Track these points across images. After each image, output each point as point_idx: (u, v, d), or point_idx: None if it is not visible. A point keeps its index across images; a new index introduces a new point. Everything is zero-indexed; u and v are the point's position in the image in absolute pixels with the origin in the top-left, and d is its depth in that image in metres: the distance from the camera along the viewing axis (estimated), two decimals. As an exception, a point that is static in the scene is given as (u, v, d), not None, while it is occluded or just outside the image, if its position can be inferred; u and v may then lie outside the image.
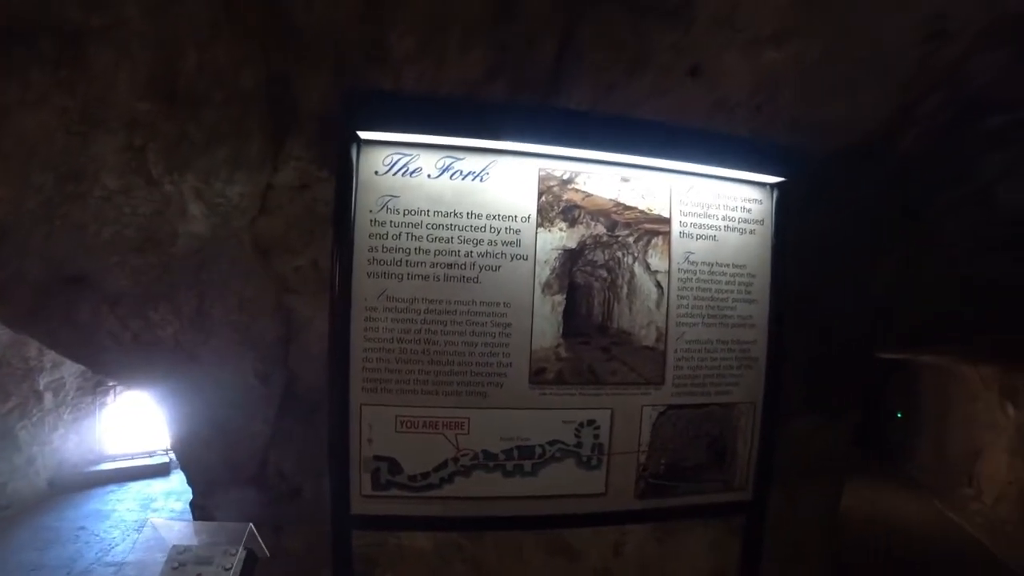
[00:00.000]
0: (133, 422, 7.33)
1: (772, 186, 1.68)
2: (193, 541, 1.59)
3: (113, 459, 7.03)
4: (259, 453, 2.26)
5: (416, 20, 1.62)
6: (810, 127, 1.76)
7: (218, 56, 1.44)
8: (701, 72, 1.73)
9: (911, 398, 7.99)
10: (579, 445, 1.52)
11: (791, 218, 1.78)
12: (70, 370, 6.19)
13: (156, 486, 6.61)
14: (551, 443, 1.51)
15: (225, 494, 2.32)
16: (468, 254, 1.44)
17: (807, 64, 1.68)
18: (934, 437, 7.33)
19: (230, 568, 1.49)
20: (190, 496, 2.51)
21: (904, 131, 2.17)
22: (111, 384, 6.74)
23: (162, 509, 5.85)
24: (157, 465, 7.10)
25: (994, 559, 5.11)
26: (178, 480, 6.77)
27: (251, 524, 1.59)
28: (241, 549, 1.53)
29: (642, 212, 1.54)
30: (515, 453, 1.49)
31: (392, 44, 1.65)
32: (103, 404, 6.97)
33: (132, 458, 7.16)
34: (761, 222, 1.69)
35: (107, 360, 2.22)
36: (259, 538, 1.58)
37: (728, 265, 1.65)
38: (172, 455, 7.29)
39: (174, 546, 1.57)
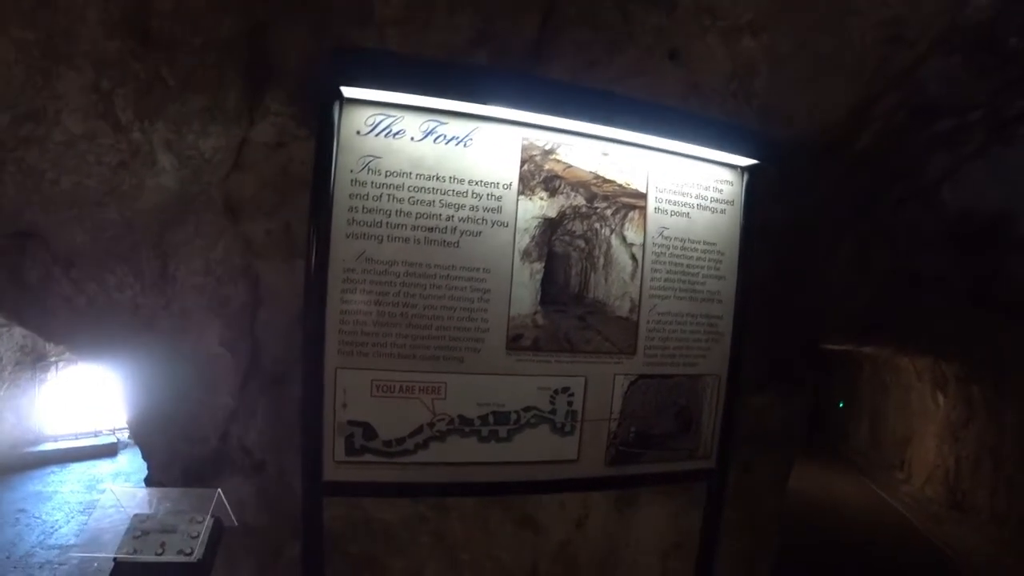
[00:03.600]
0: (77, 400, 6.95)
1: (743, 169, 1.75)
2: (156, 509, 1.53)
3: (55, 439, 6.65)
4: (221, 426, 2.19)
5: (402, -19, 1.59)
6: (779, 116, 1.84)
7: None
8: (679, 55, 1.77)
9: (852, 388, 8.50)
10: (553, 412, 1.56)
11: (760, 201, 1.85)
12: (7, 344, 5.80)
13: (102, 467, 6.32)
14: (526, 409, 1.53)
15: (184, 470, 2.25)
16: (449, 218, 1.44)
17: (779, 55, 1.75)
18: (871, 425, 7.84)
19: (196, 536, 1.44)
20: (142, 476, 2.41)
21: (862, 128, 2.29)
22: (52, 359, 6.35)
23: (109, 491, 5.59)
24: (104, 445, 6.77)
25: (919, 534, 5.55)
26: (127, 461, 6.50)
27: (219, 490, 1.55)
28: (209, 517, 1.49)
29: (620, 186, 1.58)
30: (491, 419, 1.51)
31: (378, 4, 1.61)
32: (43, 381, 6.57)
33: (76, 438, 6.79)
34: (732, 203, 1.76)
35: (57, 327, 2.10)
36: (227, 505, 1.54)
37: (700, 242, 1.71)
38: (120, 435, 6.96)
39: (136, 515, 1.51)
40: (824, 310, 3.28)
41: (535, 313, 1.51)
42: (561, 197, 1.52)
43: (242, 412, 2.18)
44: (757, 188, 1.78)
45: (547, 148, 1.50)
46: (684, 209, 1.68)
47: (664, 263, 1.65)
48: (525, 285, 1.50)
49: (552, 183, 1.51)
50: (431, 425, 1.48)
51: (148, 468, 2.39)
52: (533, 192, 1.50)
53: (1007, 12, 1.80)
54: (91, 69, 1.32)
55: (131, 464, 6.32)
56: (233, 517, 1.58)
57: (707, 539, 1.86)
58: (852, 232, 3.29)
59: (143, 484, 2.36)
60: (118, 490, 1.56)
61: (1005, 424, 4.77)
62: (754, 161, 1.70)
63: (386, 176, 1.41)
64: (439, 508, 2.25)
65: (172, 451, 2.29)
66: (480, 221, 1.46)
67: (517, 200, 1.48)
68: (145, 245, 1.73)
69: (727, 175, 1.74)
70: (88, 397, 6.98)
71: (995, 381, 4.81)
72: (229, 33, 1.40)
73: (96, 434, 7.02)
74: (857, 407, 8.37)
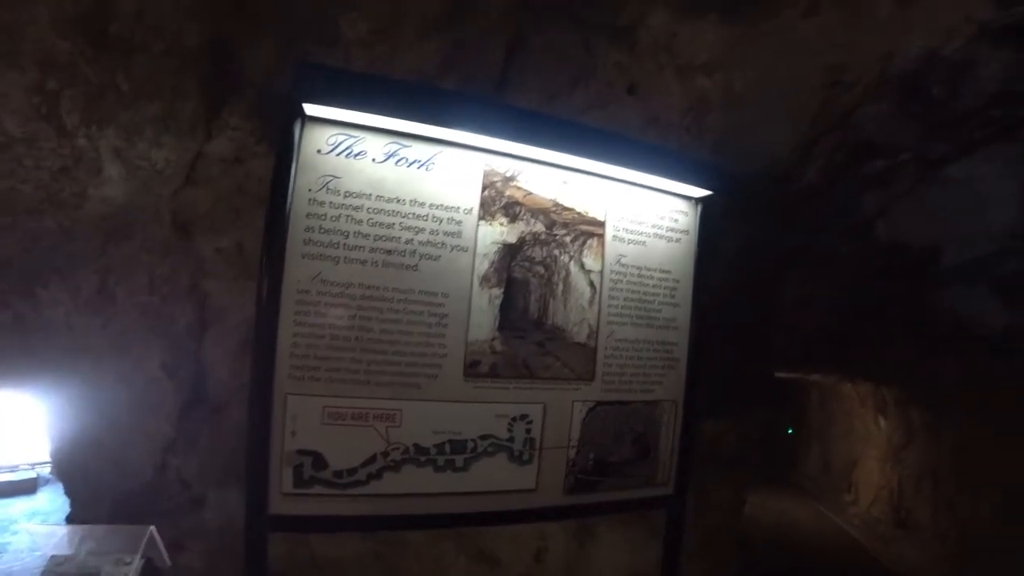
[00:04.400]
0: (-9, 432, 6.34)
1: (697, 199, 1.82)
2: (77, 550, 1.39)
3: (-37, 475, 6.04)
4: (158, 456, 2.05)
5: (374, 6, 1.60)
6: (731, 149, 1.93)
7: (163, 5, 1.33)
8: (638, 90, 1.84)
9: (801, 415, 8.81)
10: (511, 440, 1.53)
11: (713, 230, 1.93)
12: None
13: (18, 506, 5.74)
14: (483, 437, 1.50)
15: (114, 505, 2.07)
16: (409, 241, 1.42)
17: (733, 93, 1.84)
18: (820, 450, 8.12)
19: None
20: (64, 513, 2.20)
21: (807, 165, 2.44)
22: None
23: (24, 531, 5.09)
24: (20, 482, 6.18)
25: (868, 554, 5.72)
26: (47, 499, 5.94)
27: (152, 528, 1.42)
28: (138, 558, 1.37)
29: (579, 214, 1.60)
30: (447, 447, 1.47)
31: (345, 28, 1.61)
32: (-46, 410, 5.99)
33: (-13, 474, 6.18)
34: (687, 232, 1.82)
35: (-25, 347, 1.93)
36: (160, 544, 1.42)
37: (656, 270, 1.75)
38: (40, 470, 6.38)
39: (53, 556, 1.37)
40: (774, 337, 3.40)
41: (493, 339, 1.50)
42: (521, 223, 1.53)
43: (182, 441, 2.05)
44: (711, 218, 1.86)
45: (508, 175, 1.52)
46: (641, 238, 1.72)
47: (622, 290, 1.68)
48: (484, 310, 1.49)
49: (512, 209, 1.52)
50: (385, 454, 1.42)
51: (71, 504, 2.19)
52: (493, 218, 1.50)
53: (930, 65, 1.97)
54: (36, 69, 1.25)
55: (52, 503, 5.77)
56: (167, 557, 1.45)
57: (668, 566, 1.85)
58: (802, 262, 3.46)
59: (64, 522, 2.16)
60: (34, 529, 1.41)
61: (942, 444, 5.03)
62: (708, 192, 1.78)
63: (345, 196, 1.39)
64: (392, 543, 2.16)
65: (100, 484, 2.12)
66: (439, 245, 1.45)
67: (477, 225, 1.48)
68: (83, 258, 1.62)
69: (682, 205, 1.81)
70: (5, 429, 6.38)
71: (932, 404, 5.10)
72: (194, 41, 1.36)
73: (13, 469, 6.41)
74: (806, 433, 8.66)
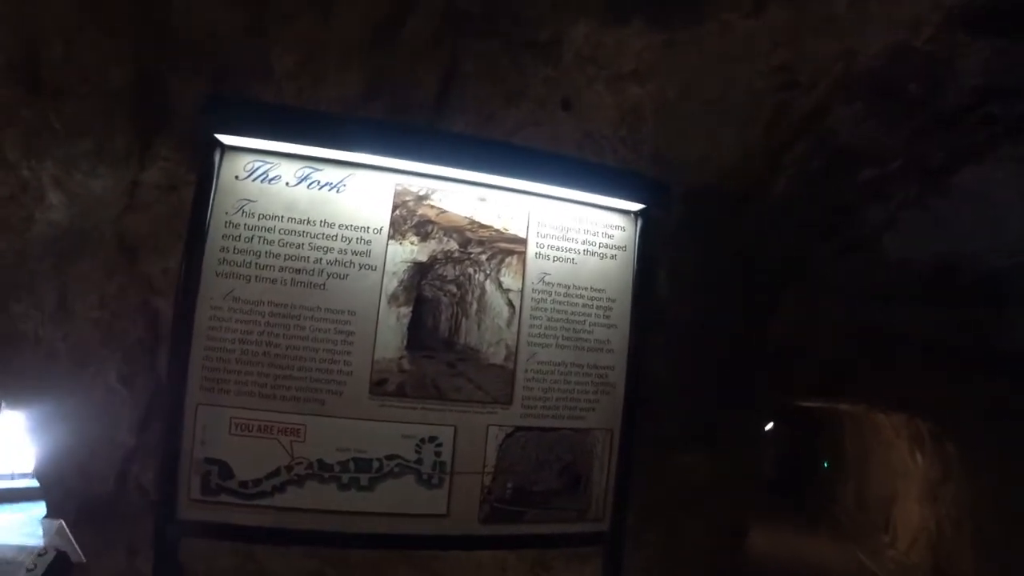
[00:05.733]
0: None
1: (635, 214, 1.76)
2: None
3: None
4: (119, 465, 2.14)
5: (297, 39, 1.68)
6: (670, 161, 1.87)
7: (84, 51, 1.45)
8: (571, 105, 1.83)
9: (838, 447, 8.24)
10: (419, 462, 1.51)
11: (656, 247, 1.86)
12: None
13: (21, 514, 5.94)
14: (389, 457, 1.48)
15: (79, 509, 2.17)
16: (317, 261, 1.45)
17: (666, 102, 1.80)
18: (856, 485, 7.54)
19: (32, 570, 1.36)
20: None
21: (775, 176, 2.32)
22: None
23: None
24: (24, 489, 6.45)
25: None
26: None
27: (61, 521, 1.47)
28: (49, 551, 1.41)
29: (497, 231, 1.59)
30: (351, 465, 1.46)
31: (273, 61, 1.69)
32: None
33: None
34: (624, 248, 1.76)
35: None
36: (72, 538, 1.46)
37: (587, 288, 1.70)
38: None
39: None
40: (765, 363, 3.22)
41: (401, 358, 1.49)
42: (433, 242, 1.53)
43: (141, 451, 2.13)
44: (653, 233, 1.79)
45: (421, 194, 1.53)
46: (569, 254, 1.68)
47: (545, 309, 1.64)
48: (392, 329, 1.49)
49: (424, 228, 1.53)
50: (289, 468, 1.43)
51: (47, 508, 2.32)
52: (404, 237, 1.51)
53: (899, 60, 1.83)
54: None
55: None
56: (80, 553, 1.49)
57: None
58: (796, 283, 3.28)
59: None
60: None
61: (982, 482, 4.58)
62: (643, 206, 1.72)
63: (259, 219, 1.44)
64: (338, 563, 2.15)
65: (71, 491, 2.23)
66: (348, 264, 1.47)
67: (387, 244, 1.50)
68: (42, 276, 1.75)
69: (618, 220, 1.75)
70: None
71: (969, 438, 4.66)
72: (118, 82, 1.47)
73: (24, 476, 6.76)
74: (842, 466, 8.08)
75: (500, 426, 1.58)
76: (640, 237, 1.77)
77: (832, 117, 2.18)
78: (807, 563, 6.28)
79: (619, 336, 1.75)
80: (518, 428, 1.60)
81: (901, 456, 6.05)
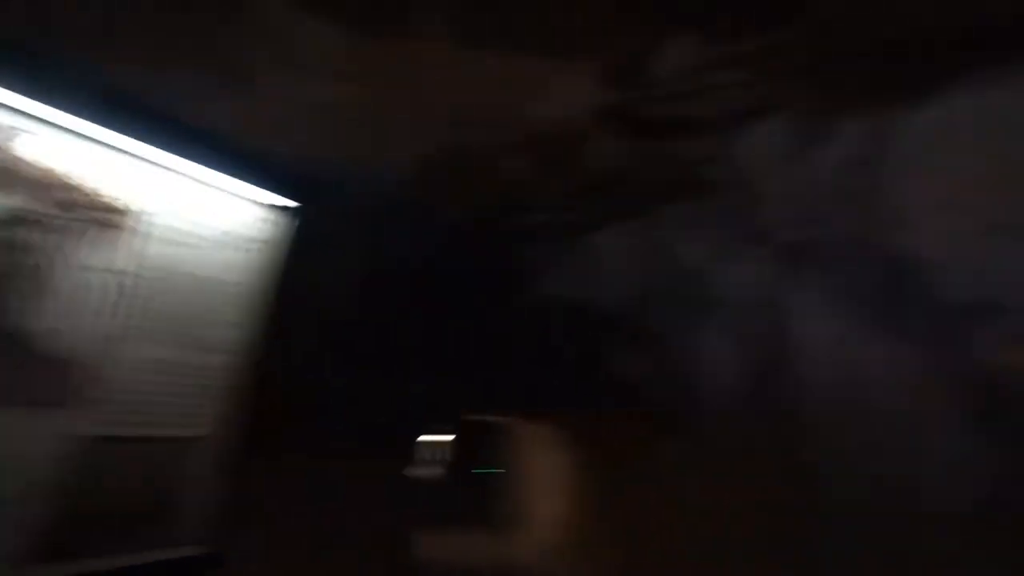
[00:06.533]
0: None
1: (284, 208, 1.69)
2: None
3: None
4: None
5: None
6: (324, 163, 1.88)
7: None
8: (244, 89, 1.66)
9: (500, 455, 9.50)
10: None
11: (304, 245, 1.80)
12: None
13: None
14: None
15: None
16: None
17: (352, 105, 1.79)
18: (513, 489, 8.85)
19: None
20: None
21: (443, 204, 2.56)
22: None
23: None
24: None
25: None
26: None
27: None
28: None
29: (99, 199, 1.30)
30: None
31: None
32: None
33: None
34: (265, 242, 1.67)
35: None
36: None
37: (212, 281, 1.53)
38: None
39: None
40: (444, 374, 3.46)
41: None
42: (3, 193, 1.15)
43: None
44: (304, 232, 1.75)
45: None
46: (194, 240, 1.50)
47: (151, 299, 1.40)
48: None
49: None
50: None
51: None
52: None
53: (554, 133, 2.21)
54: None
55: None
56: None
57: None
58: (492, 307, 3.64)
59: None
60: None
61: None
62: (292, 203, 1.68)
63: None
64: None
65: None
66: None
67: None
68: None
69: (261, 212, 1.66)
70: None
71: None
72: None
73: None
74: (508, 473, 9.35)
75: (62, 435, 1.25)
76: (295, 233, 1.71)
77: (501, 166, 2.43)
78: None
79: (238, 337, 1.59)
80: (91, 437, 1.30)
81: (535, 458, 7.39)
